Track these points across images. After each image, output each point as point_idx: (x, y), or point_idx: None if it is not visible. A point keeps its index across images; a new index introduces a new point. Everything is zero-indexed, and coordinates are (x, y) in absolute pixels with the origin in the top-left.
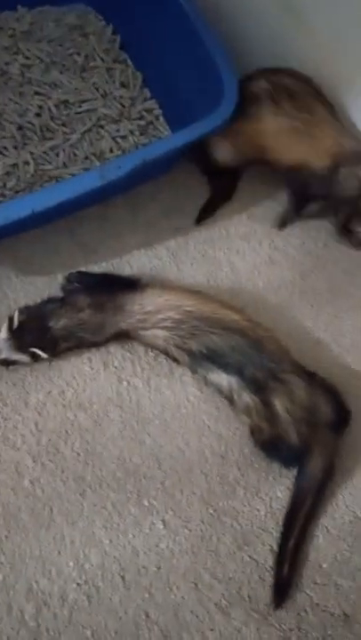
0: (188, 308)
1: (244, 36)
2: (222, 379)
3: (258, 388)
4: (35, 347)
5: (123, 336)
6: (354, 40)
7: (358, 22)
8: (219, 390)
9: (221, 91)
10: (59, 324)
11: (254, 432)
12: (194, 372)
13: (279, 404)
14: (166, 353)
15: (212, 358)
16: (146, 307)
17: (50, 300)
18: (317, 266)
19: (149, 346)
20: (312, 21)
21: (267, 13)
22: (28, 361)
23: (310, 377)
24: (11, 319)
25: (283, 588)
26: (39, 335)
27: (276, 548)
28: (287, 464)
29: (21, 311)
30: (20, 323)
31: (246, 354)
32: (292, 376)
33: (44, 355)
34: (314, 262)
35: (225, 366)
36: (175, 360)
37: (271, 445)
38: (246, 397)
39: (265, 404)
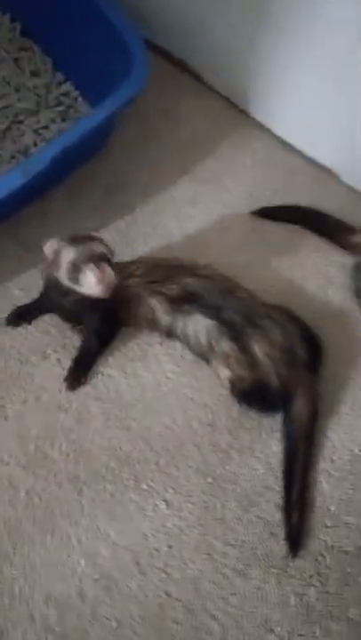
0: (157, 262)
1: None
2: (201, 325)
3: (236, 333)
4: None
5: None
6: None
7: None
8: (197, 344)
9: (130, 58)
10: None
11: (235, 383)
12: (171, 331)
13: (258, 349)
14: (145, 308)
15: (191, 299)
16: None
17: None
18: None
19: (129, 305)
20: None
21: None
22: None
23: (283, 317)
24: None
25: (296, 537)
26: None
27: (281, 502)
28: (271, 410)
29: None
30: None
31: (221, 297)
32: (267, 320)
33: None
34: None
35: (204, 308)
36: (153, 323)
37: (253, 393)
38: (225, 345)
39: (244, 350)
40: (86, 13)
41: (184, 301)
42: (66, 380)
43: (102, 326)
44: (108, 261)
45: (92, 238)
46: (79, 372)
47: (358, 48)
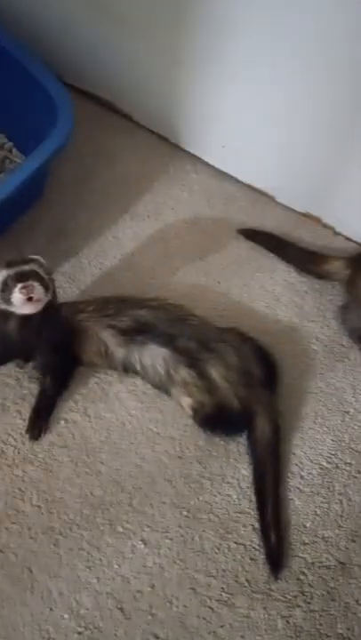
0: (107, 298)
1: (68, 46)
2: (157, 355)
3: (192, 360)
4: None
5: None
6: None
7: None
8: (156, 374)
9: (55, 111)
10: None
11: (197, 410)
12: (126, 364)
13: (215, 373)
14: (98, 343)
15: (144, 331)
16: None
17: None
18: (213, 242)
19: (82, 340)
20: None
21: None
22: None
23: (237, 340)
24: None
25: (276, 558)
26: None
27: (257, 525)
28: (234, 433)
29: None
30: None
31: (174, 326)
32: (222, 344)
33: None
34: (209, 241)
35: (158, 337)
36: (108, 358)
37: (216, 418)
38: (183, 372)
39: (202, 376)
40: (8, 68)
41: (136, 333)
42: (27, 430)
43: (57, 365)
44: (41, 279)
45: (26, 261)
46: (40, 420)
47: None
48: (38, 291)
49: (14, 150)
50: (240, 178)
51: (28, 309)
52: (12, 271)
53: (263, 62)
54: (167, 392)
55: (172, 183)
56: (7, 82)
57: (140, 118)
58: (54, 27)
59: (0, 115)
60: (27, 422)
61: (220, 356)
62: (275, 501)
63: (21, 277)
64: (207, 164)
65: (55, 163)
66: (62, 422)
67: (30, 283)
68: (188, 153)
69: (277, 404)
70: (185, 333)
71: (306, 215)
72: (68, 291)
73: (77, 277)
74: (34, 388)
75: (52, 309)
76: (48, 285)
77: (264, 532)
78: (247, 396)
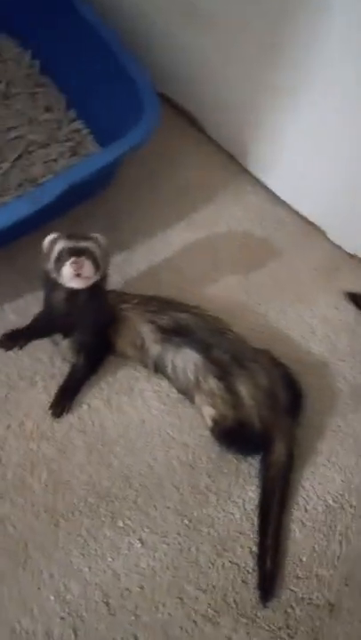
0: (152, 296)
1: (157, 48)
2: (190, 359)
3: (223, 372)
4: None
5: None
6: None
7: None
8: (185, 378)
9: (142, 105)
10: None
11: (218, 422)
12: (158, 362)
13: (244, 390)
14: (136, 334)
15: (182, 334)
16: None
17: None
18: (260, 264)
19: (120, 328)
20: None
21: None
22: None
23: (269, 363)
24: None
25: (268, 585)
26: None
27: (255, 549)
28: (250, 452)
29: None
30: None
31: (211, 336)
32: (254, 363)
33: None
34: (256, 262)
35: (194, 343)
36: (142, 351)
37: (235, 433)
38: (212, 382)
39: (229, 389)
40: (107, 61)
41: (175, 333)
42: (51, 406)
43: (92, 346)
44: (93, 258)
45: (86, 237)
46: (65, 399)
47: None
48: (87, 268)
49: (90, 138)
50: (296, 207)
51: (74, 284)
52: (69, 244)
53: (339, 94)
54: (191, 399)
55: (229, 200)
56: (100, 73)
57: (212, 132)
58: (147, 27)
59: (83, 101)
60: (51, 399)
61: (251, 374)
62: (276, 528)
63: (75, 252)
64: (266, 188)
65: (124, 159)
66: (85, 407)
67: (82, 259)
68: (251, 174)
69: (296, 433)
70: (221, 345)
71: (352, 256)
72: (112, 282)
73: (124, 271)
74: (64, 369)
75: (100, 290)
76: (99, 265)
77: (261, 557)
78: (270, 418)
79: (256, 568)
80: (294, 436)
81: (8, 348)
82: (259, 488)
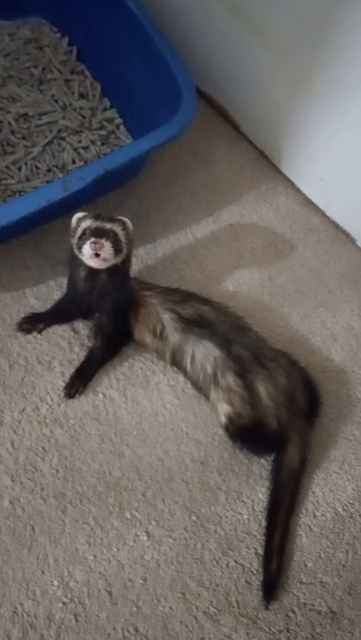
0: (175, 288)
1: (197, 43)
2: (210, 353)
3: (242, 370)
4: None
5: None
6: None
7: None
8: (203, 372)
9: (179, 97)
10: None
11: (233, 420)
12: (177, 352)
13: (263, 389)
14: (156, 320)
15: (204, 325)
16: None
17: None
18: (285, 267)
19: (142, 313)
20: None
21: (217, 21)
22: None
23: (289, 365)
24: None
25: (272, 587)
26: None
27: (260, 550)
28: (264, 452)
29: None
30: None
31: (233, 332)
32: (274, 363)
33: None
34: (282, 263)
35: (215, 337)
36: (161, 339)
37: (250, 432)
38: (230, 378)
39: (248, 388)
40: (147, 52)
41: (196, 325)
42: (66, 387)
43: (111, 328)
44: (115, 241)
45: (112, 219)
46: (79, 381)
47: None
48: (107, 250)
49: (122, 127)
50: (327, 212)
51: (93, 263)
52: (94, 224)
53: None
54: (206, 394)
55: (260, 200)
56: (138, 63)
57: (247, 131)
58: (191, 22)
59: (118, 91)
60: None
61: (270, 374)
62: (284, 530)
63: (97, 233)
64: (299, 191)
65: (155, 152)
66: (100, 396)
67: (102, 240)
68: (284, 176)
69: (311, 437)
70: (242, 342)
71: None
72: (134, 273)
73: (148, 262)
74: (82, 355)
75: (121, 273)
76: (121, 248)
77: (266, 558)
78: (287, 420)
79: (260, 570)
80: (309, 441)
81: (27, 331)
82: (269, 489)
